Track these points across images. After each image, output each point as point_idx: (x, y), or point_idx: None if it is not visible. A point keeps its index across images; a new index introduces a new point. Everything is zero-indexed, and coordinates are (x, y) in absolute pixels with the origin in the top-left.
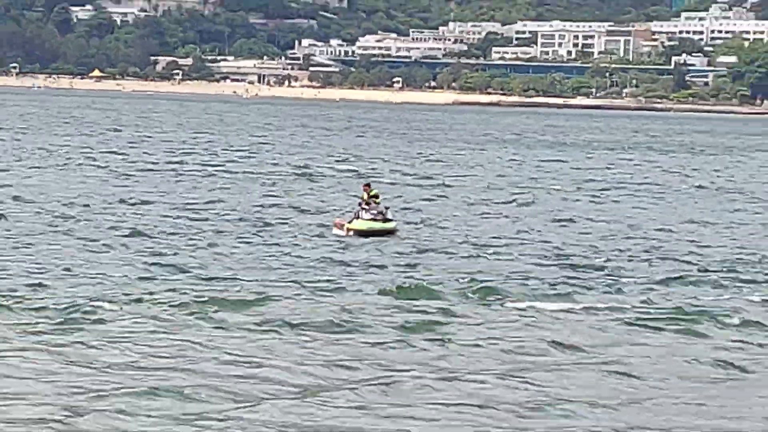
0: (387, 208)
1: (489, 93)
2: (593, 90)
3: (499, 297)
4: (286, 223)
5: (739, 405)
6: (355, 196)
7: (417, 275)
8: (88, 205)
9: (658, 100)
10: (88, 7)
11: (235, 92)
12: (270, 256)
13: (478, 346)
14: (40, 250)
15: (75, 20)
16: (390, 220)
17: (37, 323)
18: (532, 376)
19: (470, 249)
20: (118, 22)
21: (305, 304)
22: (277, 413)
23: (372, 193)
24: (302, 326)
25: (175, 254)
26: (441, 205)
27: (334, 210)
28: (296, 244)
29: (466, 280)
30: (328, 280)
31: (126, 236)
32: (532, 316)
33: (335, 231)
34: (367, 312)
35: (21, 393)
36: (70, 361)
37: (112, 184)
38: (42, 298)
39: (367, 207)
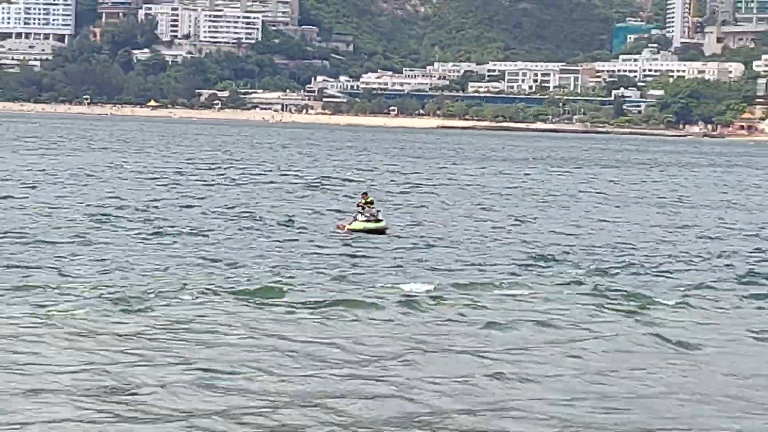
0: (378, 211)
1: (466, 119)
2: (549, 116)
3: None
4: (303, 225)
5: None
6: (353, 201)
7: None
8: (156, 207)
9: (601, 125)
10: (146, 50)
11: (263, 118)
12: (295, 251)
13: (452, 321)
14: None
15: (135, 61)
16: (380, 221)
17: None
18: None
19: (446, 243)
20: (170, 62)
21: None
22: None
23: (368, 200)
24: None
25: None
26: (422, 208)
27: (340, 212)
28: (311, 241)
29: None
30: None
31: (184, 234)
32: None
33: (338, 231)
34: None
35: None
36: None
37: (168, 191)
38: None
39: (362, 211)
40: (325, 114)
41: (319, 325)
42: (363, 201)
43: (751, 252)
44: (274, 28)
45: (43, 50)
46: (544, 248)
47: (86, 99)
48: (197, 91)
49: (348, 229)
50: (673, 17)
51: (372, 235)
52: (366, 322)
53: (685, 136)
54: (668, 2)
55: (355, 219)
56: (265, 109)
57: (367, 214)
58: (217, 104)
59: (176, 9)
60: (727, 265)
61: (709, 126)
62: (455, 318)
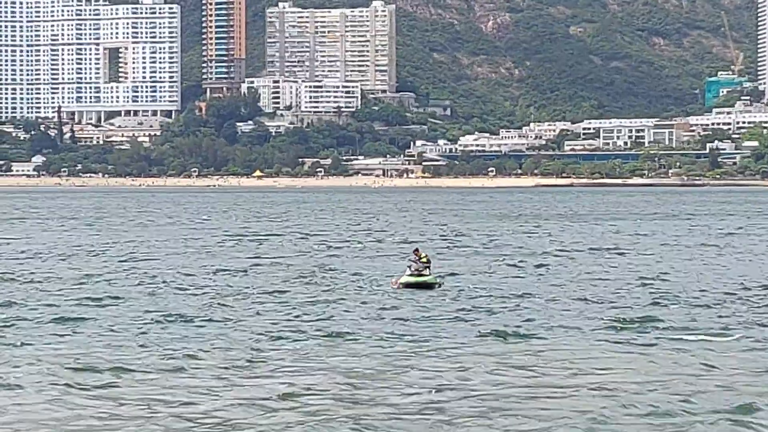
0: (427, 266)
1: (564, 177)
2: (645, 171)
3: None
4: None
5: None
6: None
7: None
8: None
9: (697, 178)
10: (249, 122)
11: (365, 184)
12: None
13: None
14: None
15: (240, 133)
16: (423, 275)
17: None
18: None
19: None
20: (273, 133)
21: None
22: None
23: (420, 256)
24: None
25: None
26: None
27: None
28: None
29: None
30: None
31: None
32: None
33: (392, 286)
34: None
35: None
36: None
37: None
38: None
39: (409, 266)
40: (425, 177)
41: None
42: (416, 257)
43: None
44: (372, 95)
45: (151, 126)
46: None
47: (194, 171)
48: (300, 159)
49: (397, 284)
50: (764, 69)
51: (420, 290)
52: None
53: None
54: (759, 55)
55: (403, 274)
56: (366, 174)
57: (413, 269)
58: (320, 172)
59: (277, 81)
60: None
61: None
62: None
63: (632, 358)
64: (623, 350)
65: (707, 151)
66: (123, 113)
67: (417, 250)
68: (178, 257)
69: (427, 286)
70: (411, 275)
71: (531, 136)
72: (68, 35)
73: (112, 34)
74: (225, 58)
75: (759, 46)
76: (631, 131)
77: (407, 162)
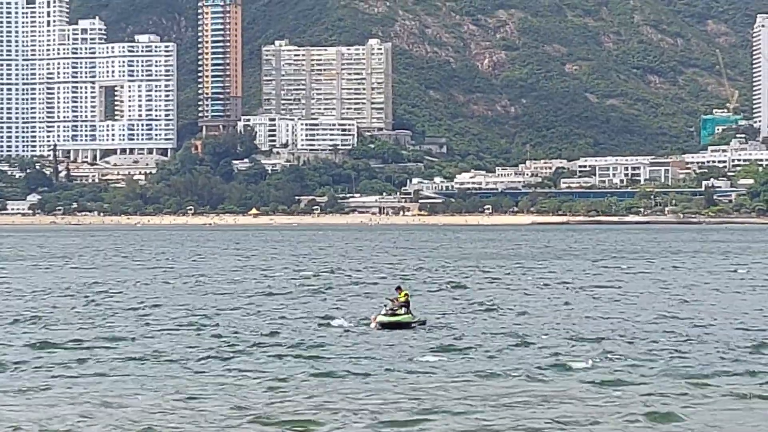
0: (402, 306)
1: (560, 215)
2: (641, 209)
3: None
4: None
5: None
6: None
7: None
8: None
9: (693, 216)
10: (245, 160)
11: (362, 222)
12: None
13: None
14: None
15: (236, 171)
16: (396, 314)
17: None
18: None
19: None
20: (269, 171)
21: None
22: None
23: (402, 294)
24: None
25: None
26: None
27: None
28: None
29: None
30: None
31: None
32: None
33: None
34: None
35: None
36: None
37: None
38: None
39: (385, 305)
40: (422, 215)
41: None
42: (397, 296)
43: None
44: (368, 133)
45: (147, 164)
46: None
47: (190, 210)
48: (296, 197)
49: (376, 323)
50: (759, 107)
51: (394, 329)
52: None
53: None
54: (754, 93)
55: (378, 313)
56: (363, 212)
57: (386, 309)
58: (317, 210)
59: (274, 119)
60: None
61: None
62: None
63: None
64: None
65: (703, 188)
66: (119, 151)
67: (399, 288)
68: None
69: (402, 325)
70: (385, 314)
71: (527, 174)
72: (64, 73)
73: (108, 72)
74: (221, 96)
75: (754, 84)
76: (627, 169)
77: (403, 200)
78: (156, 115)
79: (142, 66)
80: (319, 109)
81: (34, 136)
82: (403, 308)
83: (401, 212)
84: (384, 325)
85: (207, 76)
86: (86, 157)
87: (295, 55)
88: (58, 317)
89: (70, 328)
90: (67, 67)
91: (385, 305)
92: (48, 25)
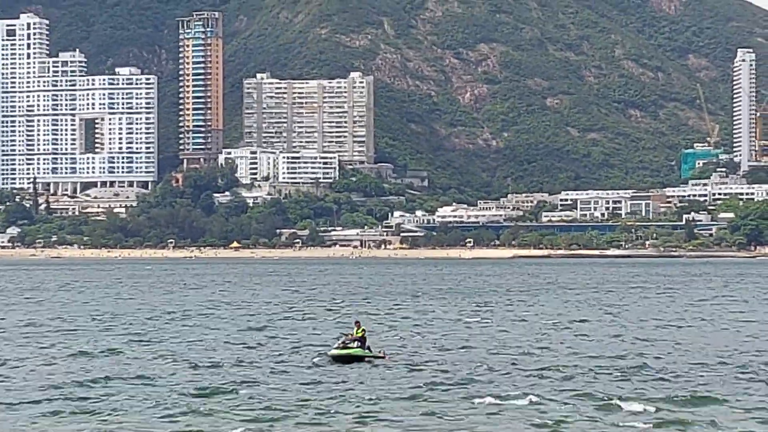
0: (357, 340)
1: (541, 248)
2: (622, 243)
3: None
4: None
5: None
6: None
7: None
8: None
9: (674, 249)
10: (227, 193)
11: (343, 255)
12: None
13: None
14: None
15: (217, 204)
16: (348, 348)
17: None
18: None
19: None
20: (250, 204)
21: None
22: None
23: (360, 329)
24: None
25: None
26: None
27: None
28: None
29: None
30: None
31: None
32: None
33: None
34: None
35: None
36: None
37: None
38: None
39: (338, 338)
40: (403, 248)
41: None
42: (355, 330)
43: None
44: (350, 166)
45: (127, 197)
46: None
47: (170, 243)
48: (278, 230)
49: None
50: (740, 142)
51: (347, 362)
52: None
53: (755, 257)
54: (734, 127)
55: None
56: (344, 245)
57: (339, 342)
58: (298, 243)
59: (255, 152)
60: None
61: None
62: None
63: None
64: None
65: (683, 222)
66: (99, 184)
67: (358, 322)
68: None
69: (353, 358)
70: (337, 348)
71: (509, 207)
72: (44, 105)
73: (88, 104)
74: (202, 129)
75: (734, 118)
76: (608, 203)
77: (385, 233)
78: (137, 148)
79: (123, 98)
80: (301, 142)
81: (14, 169)
82: (356, 342)
83: (383, 245)
84: (336, 359)
85: (188, 109)
86: (66, 189)
87: (277, 87)
88: None
89: None
90: (47, 99)
91: (338, 338)
92: (28, 57)
